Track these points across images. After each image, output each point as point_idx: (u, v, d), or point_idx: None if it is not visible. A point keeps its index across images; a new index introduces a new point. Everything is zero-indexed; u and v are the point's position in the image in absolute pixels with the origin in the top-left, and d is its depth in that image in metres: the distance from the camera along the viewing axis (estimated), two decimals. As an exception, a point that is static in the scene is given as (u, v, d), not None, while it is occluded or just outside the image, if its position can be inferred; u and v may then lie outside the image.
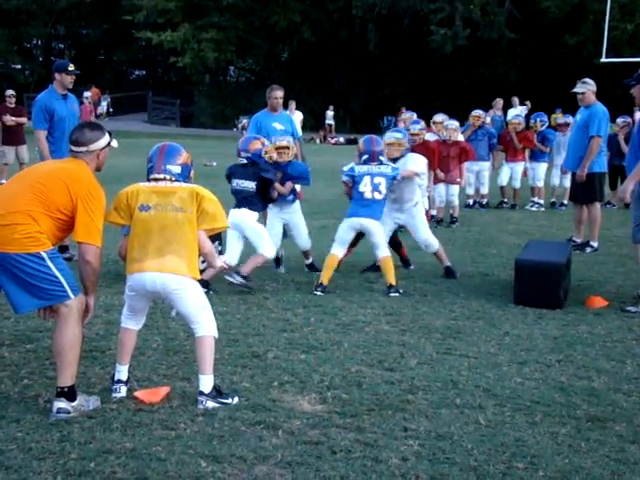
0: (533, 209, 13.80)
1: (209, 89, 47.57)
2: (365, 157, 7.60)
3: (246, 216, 7.45)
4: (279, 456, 3.87)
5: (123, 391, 4.66)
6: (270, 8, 42.04)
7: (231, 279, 7.25)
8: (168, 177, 4.70)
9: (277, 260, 8.34)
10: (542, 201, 13.98)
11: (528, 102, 26.59)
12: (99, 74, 47.94)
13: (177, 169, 4.75)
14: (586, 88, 9.47)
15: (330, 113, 37.58)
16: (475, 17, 38.87)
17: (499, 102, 19.07)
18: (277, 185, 7.71)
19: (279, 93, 9.35)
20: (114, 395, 4.63)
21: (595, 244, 9.72)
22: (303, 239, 8.23)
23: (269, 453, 3.91)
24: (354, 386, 4.90)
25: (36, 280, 4.23)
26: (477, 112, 13.55)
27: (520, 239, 10.02)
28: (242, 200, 7.55)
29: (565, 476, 3.71)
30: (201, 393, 4.53)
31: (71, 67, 8.63)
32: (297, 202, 8.20)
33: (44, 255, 4.25)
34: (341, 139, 35.33)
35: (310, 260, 8.39)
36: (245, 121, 34.90)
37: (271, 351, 5.58)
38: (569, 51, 37.96)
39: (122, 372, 4.72)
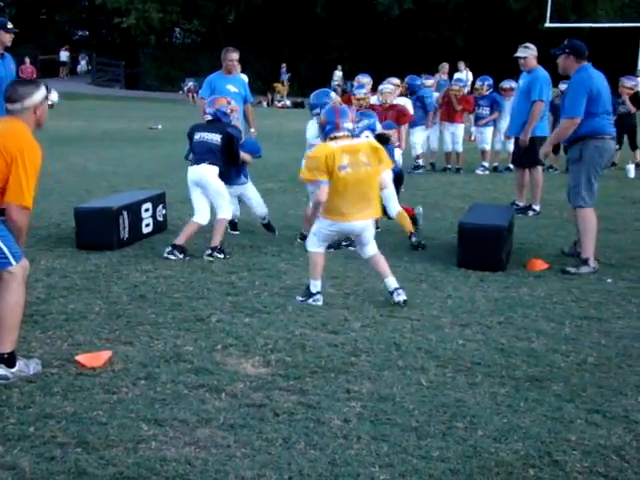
0: (479, 172, 13.92)
1: (154, 51, 46.76)
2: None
3: (206, 171, 7.22)
4: (221, 419, 3.88)
5: (321, 300, 5.87)
6: (216, -32, 41.40)
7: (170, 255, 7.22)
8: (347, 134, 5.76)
9: (233, 224, 8.29)
10: (487, 164, 14.12)
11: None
12: (41, 34, 46.77)
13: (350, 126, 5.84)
14: (528, 53, 9.54)
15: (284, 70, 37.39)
16: (422, -20, 38.83)
17: (445, 66, 19.16)
18: (243, 154, 7.59)
19: (234, 55, 9.37)
20: (314, 302, 5.82)
21: (537, 207, 9.86)
22: (259, 207, 8.18)
23: (211, 416, 3.91)
24: (298, 349, 4.91)
25: None
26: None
27: (464, 203, 10.10)
28: (203, 153, 7.28)
29: (503, 435, 3.78)
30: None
31: (10, 25, 8.38)
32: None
33: None
34: (288, 102, 35.12)
35: (266, 220, 8.32)
36: (191, 84, 34.48)
37: (215, 314, 5.56)
38: (514, 16, 38.22)
39: (318, 284, 5.93)
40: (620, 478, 3.42)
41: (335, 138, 5.75)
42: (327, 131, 5.83)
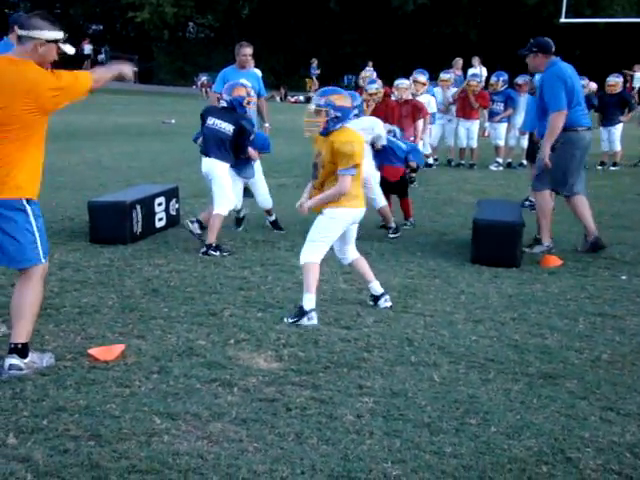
0: (493, 168, 13.88)
1: (168, 45, 46.79)
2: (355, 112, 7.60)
3: (215, 166, 7.25)
4: (234, 413, 3.88)
5: (316, 318, 5.37)
6: (231, -37, 41.38)
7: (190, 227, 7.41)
8: None
9: (238, 220, 8.30)
10: (501, 160, 14.07)
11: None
12: (55, 28, 46.85)
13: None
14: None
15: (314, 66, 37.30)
16: (436, -25, 38.69)
17: (459, 62, 19.07)
18: (250, 150, 7.54)
19: (248, 50, 9.35)
20: (309, 322, 5.27)
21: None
22: (263, 198, 8.17)
23: (224, 410, 3.91)
24: (310, 344, 4.91)
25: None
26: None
27: (478, 198, 10.06)
28: (214, 145, 7.27)
29: (516, 431, 3.77)
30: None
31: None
32: (257, 162, 8.13)
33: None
34: (301, 97, 35.08)
35: (273, 217, 8.33)
36: (204, 78, 34.45)
37: (228, 309, 5.57)
38: (529, 11, 38.00)
39: (314, 299, 5.41)
40: (634, 476, 3.40)
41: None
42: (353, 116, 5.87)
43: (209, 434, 3.66)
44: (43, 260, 4.30)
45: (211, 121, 7.30)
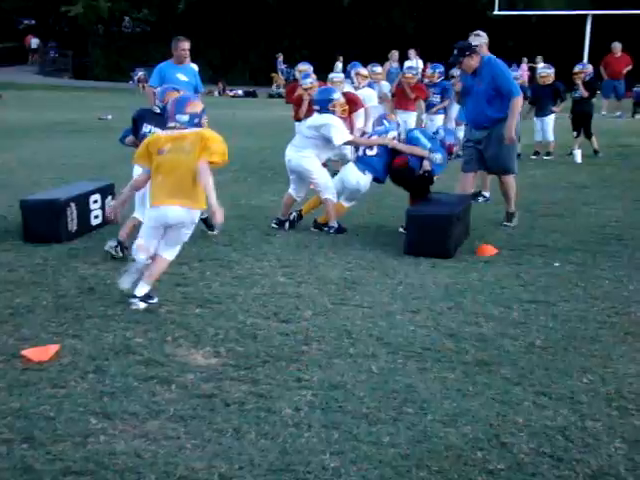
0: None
1: (103, 40, 46.12)
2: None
3: None
4: (172, 410, 3.86)
5: None
6: (166, -44, 40.94)
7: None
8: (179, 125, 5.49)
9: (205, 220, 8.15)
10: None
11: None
12: (-16, 23, 45.86)
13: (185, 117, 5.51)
14: (480, 40, 9.55)
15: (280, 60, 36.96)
16: (372, -32, 38.87)
17: (395, 54, 19.26)
18: None
19: (186, 44, 9.21)
20: None
21: (487, 194, 9.95)
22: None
23: (162, 408, 3.88)
24: (249, 339, 4.90)
25: None
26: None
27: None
28: None
29: (452, 419, 3.83)
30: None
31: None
32: None
33: None
34: (239, 91, 34.94)
35: (204, 215, 8.19)
36: (141, 73, 34.04)
37: (165, 306, 5.52)
38: (464, 3, 38.45)
39: None
40: (565, 457, 3.48)
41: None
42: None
43: (146, 432, 3.64)
44: None
45: (147, 129, 6.93)
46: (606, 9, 33.34)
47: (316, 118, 7.95)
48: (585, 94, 13.75)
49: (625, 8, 33.73)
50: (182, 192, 5.40)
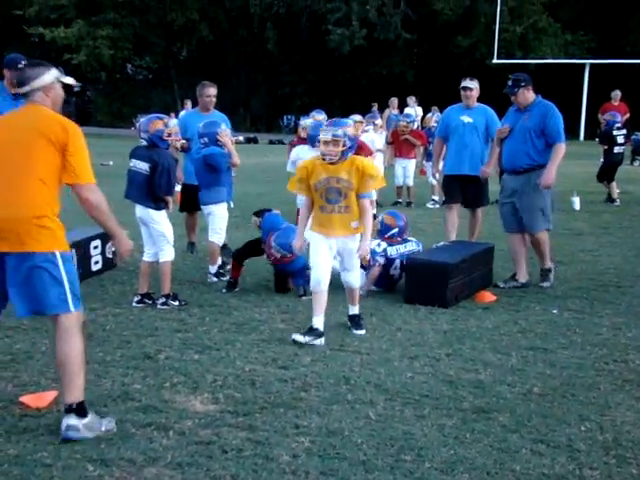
0: (430, 206, 14.10)
1: (106, 87, 46.69)
2: (394, 231, 7.70)
3: (149, 212, 6.79)
4: (169, 457, 3.85)
5: None
6: (167, 5, 41.61)
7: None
8: None
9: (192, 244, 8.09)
10: (437, 197, 14.28)
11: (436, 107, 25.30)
12: (-10, 71, 46.38)
13: None
14: (475, 85, 9.51)
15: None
16: (371, 18, 39.55)
17: (394, 101, 19.49)
18: (168, 198, 6.81)
19: (212, 90, 8.64)
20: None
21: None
22: (216, 235, 7.93)
23: (159, 455, 3.88)
24: (247, 385, 4.91)
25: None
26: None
27: (415, 236, 10.12)
28: (136, 187, 6.76)
29: (450, 467, 3.82)
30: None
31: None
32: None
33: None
34: (240, 138, 35.20)
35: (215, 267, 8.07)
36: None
37: (164, 352, 5.54)
38: (463, 52, 39.00)
39: None
40: (563, 507, 3.47)
41: None
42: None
43: (144, 479, 3.63)
44: (72, 309, 4.19)
45: (132, 163, 6.83)
46: (604, 58, 33.82)
47: None
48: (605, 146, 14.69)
49: (623, 58, 34.20)
50: None
